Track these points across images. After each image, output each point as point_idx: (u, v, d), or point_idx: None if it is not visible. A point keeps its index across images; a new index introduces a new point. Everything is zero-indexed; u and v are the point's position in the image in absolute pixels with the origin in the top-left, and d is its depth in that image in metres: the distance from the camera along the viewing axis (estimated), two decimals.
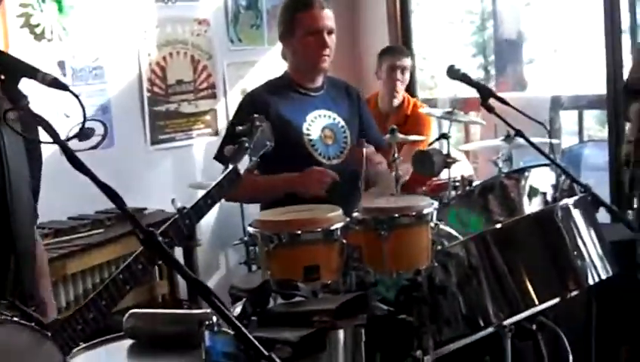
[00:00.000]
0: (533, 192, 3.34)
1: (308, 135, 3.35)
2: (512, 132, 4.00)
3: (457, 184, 4.04)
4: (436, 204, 2.84)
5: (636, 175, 3.00)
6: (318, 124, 3.38)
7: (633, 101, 3.58)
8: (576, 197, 2.90)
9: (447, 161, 3.81)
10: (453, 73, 3.16)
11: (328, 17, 3.35)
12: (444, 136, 3.94)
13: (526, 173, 3.38)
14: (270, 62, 5.19)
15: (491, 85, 8.86)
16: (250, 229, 2.67)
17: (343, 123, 3.45)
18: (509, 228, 2.84)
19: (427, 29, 8.68)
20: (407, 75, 4.97)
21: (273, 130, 2.61)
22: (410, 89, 5.51)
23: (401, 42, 5.70)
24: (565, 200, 2.88)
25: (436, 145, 4.01)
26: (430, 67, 8.41)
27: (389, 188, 4.24)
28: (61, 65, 4.49)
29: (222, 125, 5.14)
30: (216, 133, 5.16)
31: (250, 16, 5.42)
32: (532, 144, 3.16)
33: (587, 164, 5.86)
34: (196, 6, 5.14)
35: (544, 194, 3.32)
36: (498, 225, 2.87)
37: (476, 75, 9.34)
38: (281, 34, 3.44)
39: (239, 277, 4.53)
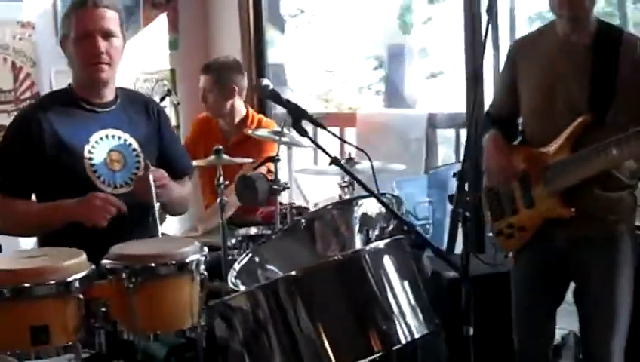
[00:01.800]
0: (366, 224, 2.91)
1: (90, 159, 2.84)
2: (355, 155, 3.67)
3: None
4: (206, 250, 2.36)
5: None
6: (103, 146, 2.88)
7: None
8: (388, 240, 2.46)
9: (274, 188, 3.38)
10: (263, 90, 2.71)
11: (103, 17, 2.83)
12: (270, 159, 3.50)
13: (359, 202, 2.92)
14: None
15: None
16: None
17: (135, 145, 2.95)
18: (307, 276, 2.35)
19: None
20: (228, 93, 4.32)
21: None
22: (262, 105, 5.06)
23: (254, 56, 5.16)
24: (375, 243, 2.45)
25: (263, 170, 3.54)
26: None
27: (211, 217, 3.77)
28: None
29: None
30: None
31: None
32: (349, 173, 2.79)
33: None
34: (19, 7, 4.62)
35: (367, 230, 2.89)
36: (293, 272, 2.41)
37: None
38: (61, 37, 2.96)
39: None
